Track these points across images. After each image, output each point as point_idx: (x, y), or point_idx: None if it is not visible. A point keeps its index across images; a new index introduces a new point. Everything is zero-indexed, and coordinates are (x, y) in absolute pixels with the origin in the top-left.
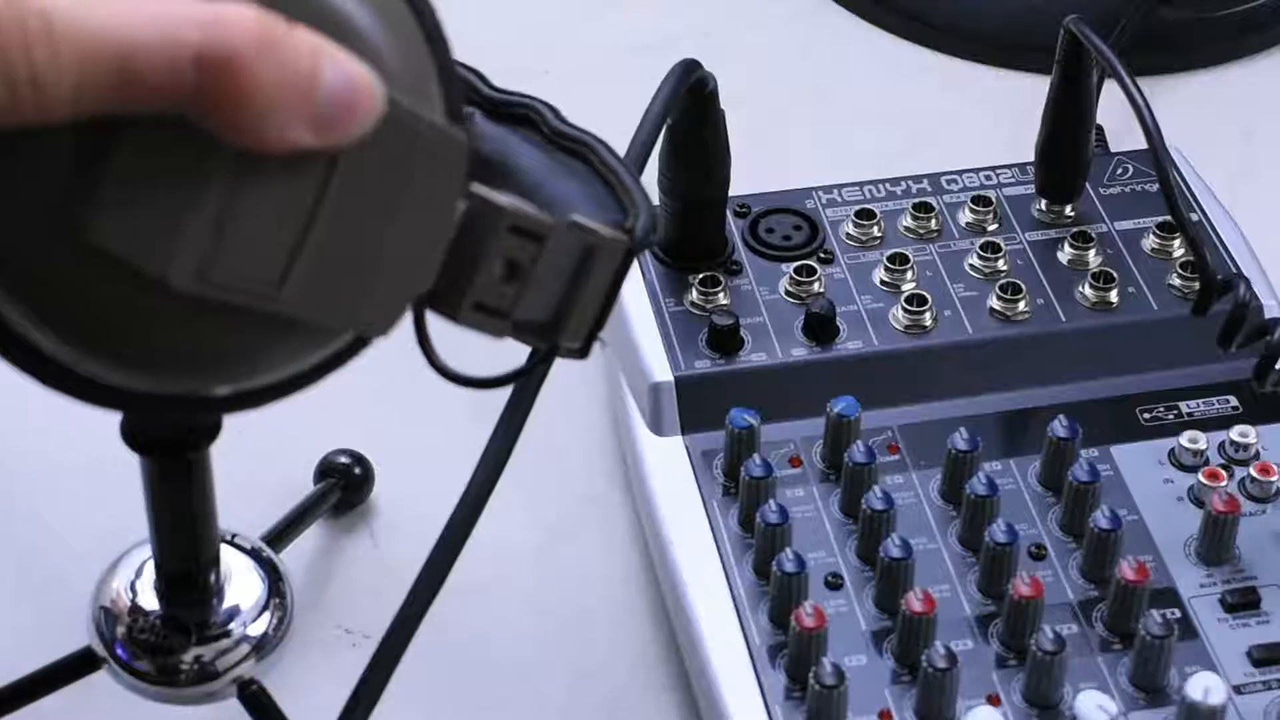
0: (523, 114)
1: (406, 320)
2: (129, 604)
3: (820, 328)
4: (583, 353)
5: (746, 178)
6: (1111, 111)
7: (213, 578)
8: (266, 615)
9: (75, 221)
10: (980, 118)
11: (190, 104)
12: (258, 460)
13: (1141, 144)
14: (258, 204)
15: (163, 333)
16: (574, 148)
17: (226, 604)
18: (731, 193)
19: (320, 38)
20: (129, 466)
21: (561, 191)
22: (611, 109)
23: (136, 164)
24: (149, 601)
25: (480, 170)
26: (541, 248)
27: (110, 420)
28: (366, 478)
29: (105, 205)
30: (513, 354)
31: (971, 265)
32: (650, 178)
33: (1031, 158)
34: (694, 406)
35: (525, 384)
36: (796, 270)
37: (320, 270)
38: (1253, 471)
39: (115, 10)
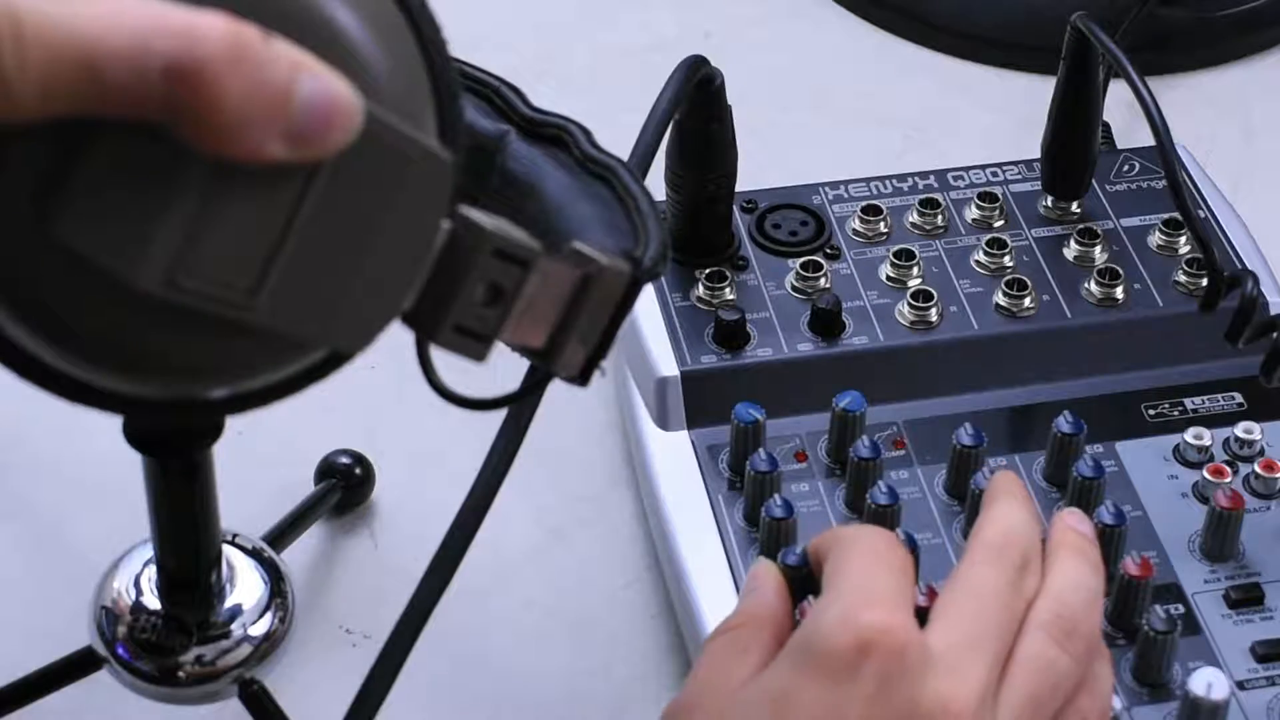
0: (555, 135)
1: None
2: (130, 603)
3: (826, 323)
4: (582, 380)
5: (750, 175)
6: (1116, 109)
7: (214, 577)
8: (268, 615)
9: (45, 222)
10: (980, 118)
11: (160, 112)
12: (259, 461)
13: (1147, 141)
14: (231, 212)
15: (136, 337)
16: (600, 172)
17: (228, 604)
18: (738, 189)
19: (299, 50)
20: (131, 466)
21: (580, 215)
22: (611, 109)
23: (109, 166)
24: (150, 601)
25: (507, 188)
26: (526, 273)
27: (112, 420)
28: (367, 478)
29: (75, 206)
30: (514, 368)
31: (977, 261)
32: (657, 174)
33: (1035, 157)
34: (700, 401)
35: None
36: (803, 266)
37: (295, 282)
38: (1257, 468)
39: (86, 14)
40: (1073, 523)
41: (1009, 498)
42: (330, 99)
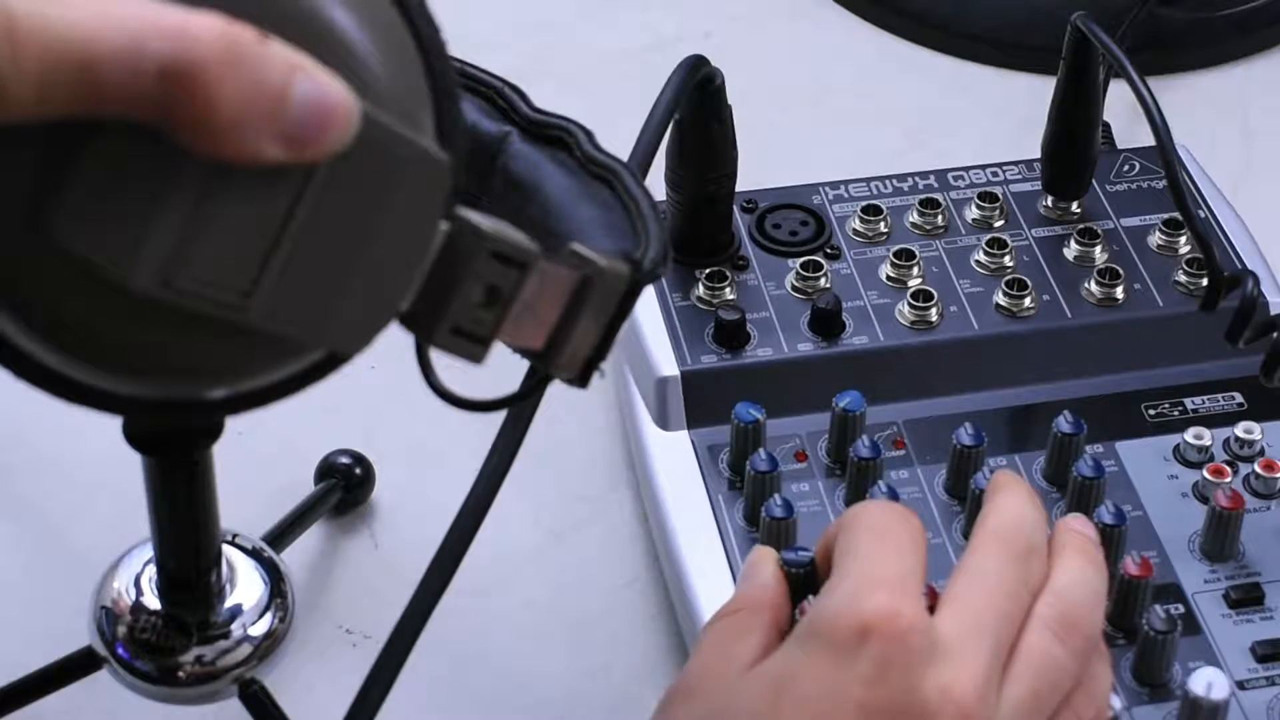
0: (557, 136)
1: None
2: (130, 604)
3: (826, 323)
4: (581, 382)
5: (750, 175)
6: (1117, 109)
7: (214, 577)
8: (268, 615)
9: (42, 221)
10: (980, 118)
11: (155, 113)
12: (259, 461)
13: (1147, 141)
14: (227, 213)
15: (134, 338)
16: (601, 173)
17: (228, 604)
18: (738, 189)
19: (295, 52)
20: (131, 466)
21: (580, 217)
22: (611, 109)
23: (105, 167)
24: (150, 601)
25: (508, 189)
26: (524, 275)
27: (112, 420)
28: (367, 478)
29: (70, 207)
30: (514, 368)
31: (978, 261)
32: (657, 174)
33: (1035, 157)
34: (700, 401)
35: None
36: (803, 265)
37: (291, 283)
38: (1257, 468)
39: (81, 15)
40: (1077, 526)
41: (1012, 490)
42: (326, 101)
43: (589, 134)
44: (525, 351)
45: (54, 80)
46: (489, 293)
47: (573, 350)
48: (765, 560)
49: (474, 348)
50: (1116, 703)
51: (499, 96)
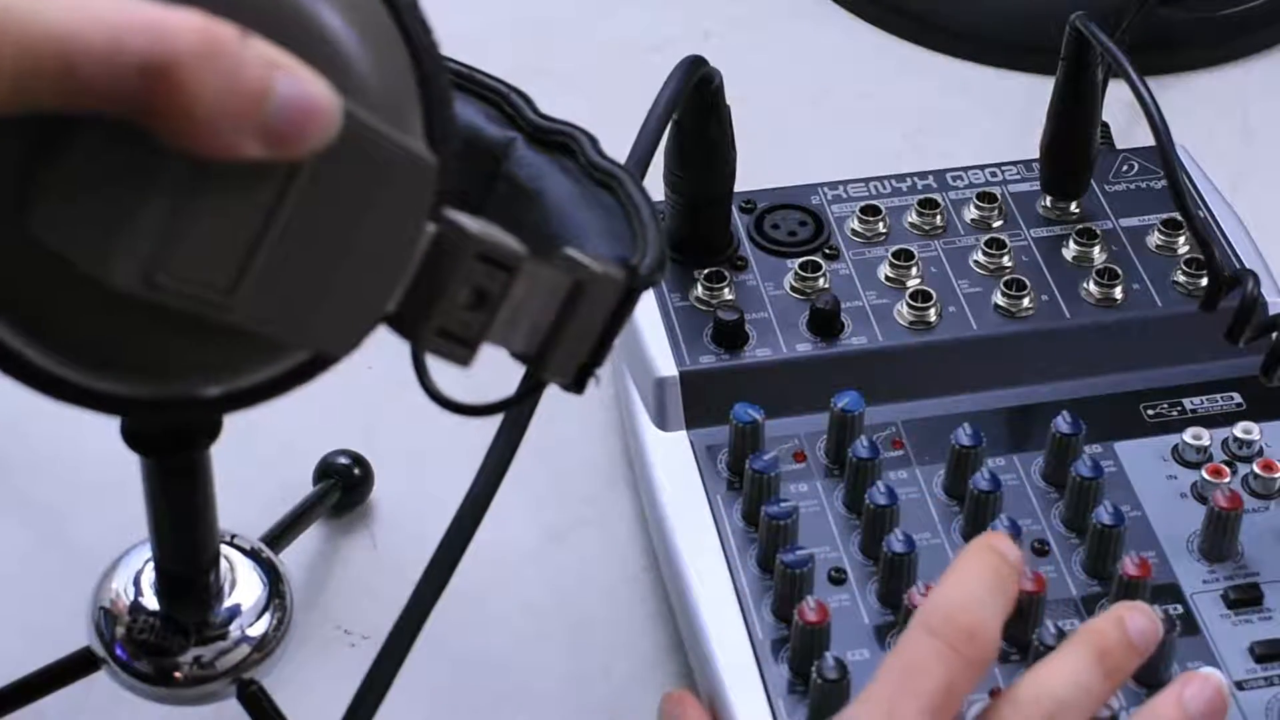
0: (562, 142)
1: None
2: (129, 604)
3: (825, 323)
4: (576, 388)
5: (749, 175)
6: (1116, 109)
7: (212, 578)
8: (266, 616)
9: (22, 217)
10: (980, 118)
11: (135, 109)
12: (258, 461)
13: (1146, 141)
14: (208, 210)
15: (119, 336)
16: (604, 180)
17: (226, 604)
18: (737, 189)
19: (277, 50)
20: (131, 466)
21: (580, 222)
22: (611, 109)
23: (87, 162)
24: (149, 601)
25: (512, 194)
26: (512, 278)
27: (112, 420)
28: (366, 478)
29: (51, 203)
30: (512, 371)
31: (976, 261)
32: (656, 174)
33: (1034, 157)
34: (699, 401)
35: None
36: (801, 266)
37: (273, 282)
38: (1256, 468)
39: (60, 10)
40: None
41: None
42: (308, 99)
43: (594, 140)
44: (519, 355)
45: (31, 74)
46: (477, 295)
47: (567, 355)
48: (682, 702)
49: (461, 350)
50: (1115, 703)
51: (505, 102)
